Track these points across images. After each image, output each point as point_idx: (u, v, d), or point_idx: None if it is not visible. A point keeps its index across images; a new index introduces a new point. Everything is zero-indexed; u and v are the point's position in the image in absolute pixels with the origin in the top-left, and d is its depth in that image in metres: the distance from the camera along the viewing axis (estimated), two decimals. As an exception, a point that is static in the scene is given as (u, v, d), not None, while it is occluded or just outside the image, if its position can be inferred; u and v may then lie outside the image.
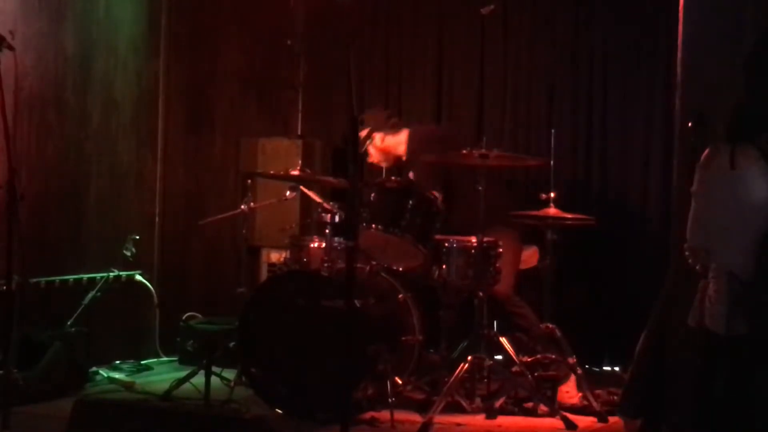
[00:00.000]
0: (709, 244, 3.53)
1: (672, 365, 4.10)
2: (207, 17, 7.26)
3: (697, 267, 3.59)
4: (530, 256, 5.98)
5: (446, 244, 5.52)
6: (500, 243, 5.55)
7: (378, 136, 6.14)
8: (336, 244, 5.54)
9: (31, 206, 5.75)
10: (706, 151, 3.55)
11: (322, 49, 7.07)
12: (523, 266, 5.95)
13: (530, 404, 5.40)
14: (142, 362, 6.61)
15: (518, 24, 6.83)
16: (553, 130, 5.72)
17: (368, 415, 5.23)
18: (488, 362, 5.37)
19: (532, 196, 5.94)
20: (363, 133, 5.91)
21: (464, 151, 5.37)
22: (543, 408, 5.33)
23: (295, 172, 5.95)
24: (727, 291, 3.46)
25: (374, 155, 6.22)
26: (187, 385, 5.51)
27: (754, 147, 3.44)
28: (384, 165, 6.29)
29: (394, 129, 6.20)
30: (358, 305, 5.09)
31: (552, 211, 5.53)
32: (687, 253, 3.61)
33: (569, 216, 5.61)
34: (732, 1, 4.25)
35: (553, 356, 5.52)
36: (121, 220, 6.79)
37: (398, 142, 6.18)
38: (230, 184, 7.17)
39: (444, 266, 5.52)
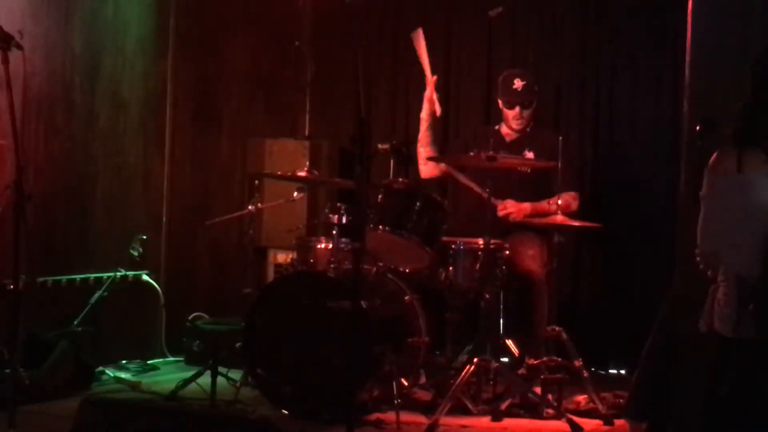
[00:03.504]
0: (717, 247, 3.53)
1: (679, 368, 4.09)
2: (215, 18, 7.27)
3: (709, 273, 3.58)
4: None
5: (453, 246, 5.52)
6: (506, 245, 5.55)
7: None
8: (343, 246, 5.54)
9: (39, 206, 5.75)
10: (714, 155, 3.55)
11: (329, 49, 7.07)
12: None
13: (536, 407, 5.39)
14: (149, 362, 6.61)
15: (526, 25, 6.82)
16: (560, 137, 5.70)
17: (374, 416, 5.24)
18: (494, 365, 5.37)
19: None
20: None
21: (471, 153, 5.36)
22: (549, 411, 5.33)
23: (303, 173, 5.95)
24: (736, 294, 3.45)
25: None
26: (193, 386, 5.52)
27: (762, 150, 3.43)
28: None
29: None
30: (364, 306, 5.10)
31: (559, 218, 5.49)
32: (698, 258, 3.60)
33: (576, 223, 5.60)
34: (740, 4, 4.24)
35: (559, 359, 5.51)
36: (128, 220, 6.80)
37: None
38: (237, 185, 7.17)
39: (451, 268, 5.53)
